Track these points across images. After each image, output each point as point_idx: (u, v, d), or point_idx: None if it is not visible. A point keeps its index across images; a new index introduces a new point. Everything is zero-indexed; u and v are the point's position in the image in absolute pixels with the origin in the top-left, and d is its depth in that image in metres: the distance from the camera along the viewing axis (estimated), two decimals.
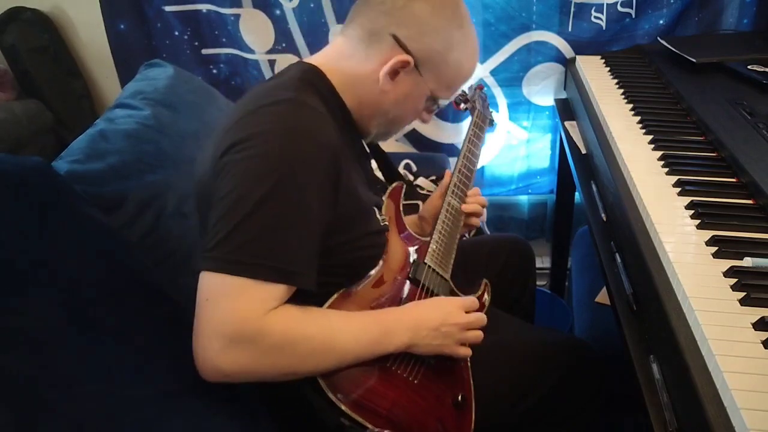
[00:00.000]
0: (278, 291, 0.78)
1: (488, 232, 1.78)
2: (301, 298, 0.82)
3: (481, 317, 0.96)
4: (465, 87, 1.35)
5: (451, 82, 0.98)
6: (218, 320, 0.76)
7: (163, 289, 0.94)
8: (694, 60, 1.47)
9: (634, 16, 1.71)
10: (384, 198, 1.06)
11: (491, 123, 1.38)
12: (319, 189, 0.81)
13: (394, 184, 1.09)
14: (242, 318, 0.76)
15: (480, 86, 1.45)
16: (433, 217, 1.12)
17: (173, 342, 0.81)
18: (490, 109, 1.41)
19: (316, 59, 0.97)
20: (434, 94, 0.97)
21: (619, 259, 1.03)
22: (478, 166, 1.91)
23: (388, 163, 1.16)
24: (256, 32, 1.79)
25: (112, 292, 0.85)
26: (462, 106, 1.35)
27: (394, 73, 0.92)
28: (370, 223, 0.94)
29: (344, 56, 0.95)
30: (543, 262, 2.06)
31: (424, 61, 0.93)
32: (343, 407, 0.83)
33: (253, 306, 0.76)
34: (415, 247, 1.04)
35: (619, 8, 1.70)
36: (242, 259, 0.76)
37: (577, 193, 1.76)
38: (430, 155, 1.92)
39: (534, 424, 1.05)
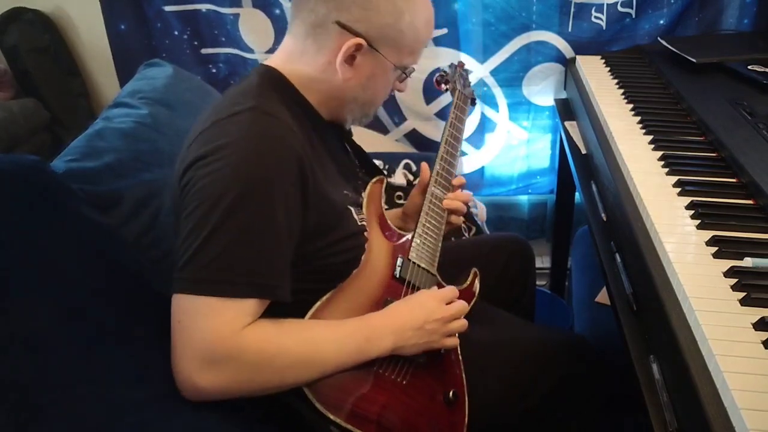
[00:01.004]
0: (251, 306, 0.77)
1: (488, 232, 1.78)
2: (279, 307, 0.81)
3: (463, 306, 0.95)
4: (446, 66, 1.34)
5: (411, 48, 0.94)
6: (194, 341, 0.75)
7: (161, 288, 0.93)
8: (694, 60, 1.47)
9: (634, 16, 1.71)
10: (363, 195, 1.02)
11: (473, 102, 1.35)
12: (286, 198, 0.80)
13: (373, 180, 1.06)
14: (217, 337, 0.75)
15: (460, 63, 1.41)
16: (415, 214, 1.09)
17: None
18: (471, 88, 1.37)
19: (274, 61, 0.94)
20: (399, 64, 0.94)
21: (619, 259, 1.03)
22: (477, 165, 1.94)
23: (366, 158, 1.14)
24: (255, 32, 1.79)
25: (110, 292, 0.85)
26: (443, 86, 1.31)
27: (351, 59, 0.90)
28: (346, 226, 0.91)
29: (296, 56, 0.92)
30: (543, 262, 2.05)
31: (377, 37, 0.89)
32: (331, 416, 0.82)
33: (228, 324, 0.75)
34: (399, 243, 1.01)
35: (619, 8, 1.69)
36: (211, 278, 0.75)
37: (577, 193, 1.75)
38: (431, 155, 1.91)
39: (534, 423, 1.05)
